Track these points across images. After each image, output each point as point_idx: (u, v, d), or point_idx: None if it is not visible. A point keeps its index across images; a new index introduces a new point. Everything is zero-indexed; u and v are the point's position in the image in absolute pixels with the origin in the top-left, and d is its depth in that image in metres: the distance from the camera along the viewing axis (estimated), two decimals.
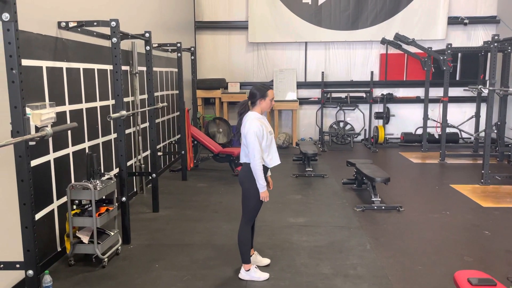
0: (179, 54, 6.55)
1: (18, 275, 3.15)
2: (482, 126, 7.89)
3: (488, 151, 6.38)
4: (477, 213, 5.12)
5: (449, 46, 7.96)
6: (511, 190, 6.07)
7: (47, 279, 3.13)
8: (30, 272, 2.61)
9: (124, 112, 3.99)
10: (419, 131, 9.75)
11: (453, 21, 9.90)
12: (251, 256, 3.62)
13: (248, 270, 3.47)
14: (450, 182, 6.49)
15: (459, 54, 9.97)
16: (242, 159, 3.44)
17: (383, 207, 5.25)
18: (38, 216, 3.47)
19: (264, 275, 3.47)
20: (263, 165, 3.32)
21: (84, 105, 4.34)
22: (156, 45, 6.01)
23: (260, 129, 3.29)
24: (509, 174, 6.72)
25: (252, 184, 3.34)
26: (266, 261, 3.73)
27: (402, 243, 4.23)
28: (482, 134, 7.28)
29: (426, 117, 9.02)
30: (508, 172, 7.09)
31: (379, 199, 5.36)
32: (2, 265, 2.71)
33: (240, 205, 3.49)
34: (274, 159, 3.42)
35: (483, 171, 6.39)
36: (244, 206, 3.47)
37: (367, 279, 3.47)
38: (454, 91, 9.45)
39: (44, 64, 3.61)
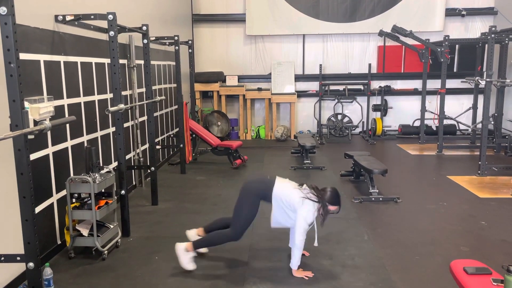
0: (176, 47, 6.54)
1: (19, 268, 3.18)
2: (480, 117, 7.93)
3: (485, 143, 6.42)
4: (474, 204, 5.16)
5: (446, 37, 7.96)
6: (508, 181, 6.11)
7: (47, 271, 3.16)
8: (31, 264, 2.63)
9: (122, 106, 4.00)
10: (417, 123, 9.77)
11: (451, 12, 9.89)
12: (195, 231, 3.73)
13: (186, 251, 3.46)
14: (447, 174, 6.53)
15: (457, 46, 9.97)
16: (276, 224, 3.47)
17: (380, 199, 5.28)
18: (38, 209, 3.49)
19: (189, 266, 3.47)
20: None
21: (82, 99, 4.34)
22: (154, 38, 6.00)
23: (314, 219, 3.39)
24: (506, 165, 6.76)
25: (253, 198, 3.45)
26: (204, 249, 3.73)
27: (399, 233, 4.27)
28: (479, 125, 7.31)
29: (423, 109, 9.05)
30: (505, 163, 7.13)
31: (377, 191, 5.39)
32: (3, 258, 2.73)
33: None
34: None
35: (480, 162, 6.43)
36: (236, 216, 3.47)
37: (364, 269, 3.51)
38: (452, 83, 9.46)
39: (42, 58, 3.61)
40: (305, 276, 3.37)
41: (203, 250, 3.75)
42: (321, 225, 3.46)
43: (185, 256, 3.47)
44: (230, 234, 3.48)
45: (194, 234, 3.77)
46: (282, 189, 3.43)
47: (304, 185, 3.49)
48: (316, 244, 3.50)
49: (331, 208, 3.41)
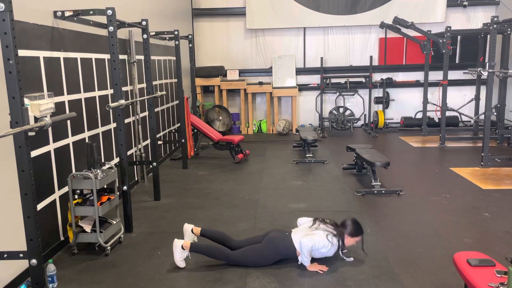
0: (176, 42, 6.51)
1: (22, 265, 3.18)
2: (482, 109, 7.88)
3: (488, 134, 6.39)
4: (477, 196, 5.15)
5: (448, 28, 7.90)
6: (511, 172, 6.09)
7: (51, 268, 3.17)
8: (34, 261, 2.64)
9: (123, 101, 3.99)
10: (419, 115, 9.74)
11: (453, 3, 9.82)
12: (191, 227, 3.71)
13: (183, 250, 3.45)
14: (450, 165, 6.51)
15: (459, 37, 9.91)
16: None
17: (383, 191, 5.27)
18: (40, 206, 3.50)
19: (180, 263, 3.46)
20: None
21: (82, 95, 4.33)
22: (154, 33, 5.98)
23: (326, 249, 3.43)
24: (508, 156, 6.73)
25: (275, 249, 3.46)
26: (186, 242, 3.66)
27: (402, 226, 4.26)
28: (482, 117, 7.28)
29: (425, 101, 9.00)
30: (508, 154, 7.10)
31: (379, 184, 5.38)
32: (6, 255, 2.74)
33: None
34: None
35: (483, 154, 6.40)
36: (252, 252, 3.47)
37: (367, 262, 3.50)
38: (454, 74, 9.41)
39: (41, 54, 3.60)
40: (320, 270, 3.38)
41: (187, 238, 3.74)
42: (343, 255, 3.56)
43: (180, 254, 3.47)
44: (230, 257, 3.47)
45: (189, 229, 3.73)
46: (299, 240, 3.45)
47: (320, 223, 3.54)
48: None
49: (354, 240, 3.51)
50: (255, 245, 3.51)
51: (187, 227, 3.75)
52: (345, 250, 3.58)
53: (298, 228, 3.66)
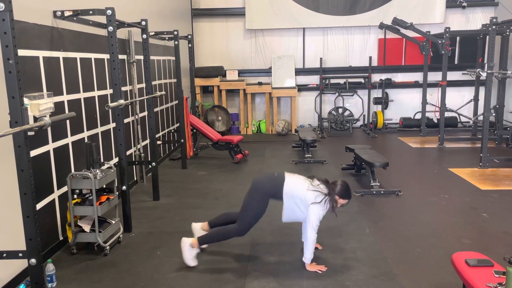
0: (176, 42, 6.52)
1: (21, 264, 3.19)
2: (481, 109, 7.90)
3: (487, 135, 6.40)
4: (476, 196, 5.16)
5: (447, 29, 7.92)
6: (510, 173, 6.11)
7: (50, 267, 3.17)
8: (33, 260, 2.64)
9: (122, 101, 3.99)
10: (418, 116, 9.76)
11: (452, 4, 9.83)
12: (200, 225, 3.73)
13: (191, 247, 3.45)
14: (449, 166, 6.52)
15: (458, 38, 9.92)
16: (288, 219, 3.45)
17: (382, 192, 5.28)
18: (39, 205, 3.50)
19: (192, 262, 3.46)
20: None
21: (82, 95, 4.33)
22: (153, 33, 5.98)
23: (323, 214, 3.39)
24: (507, 157, 6.75)
25: (263, 197, 3.40)
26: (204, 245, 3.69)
27: (401, 226, 4.27)
28: (481, 117, 7.29)
29: (424, 102, 9.02)
30: (507, 155, 7.12)
31: (378, 184, 5.39)
32: (5, 254, 2.74)
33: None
34: None
35: (481, 155, 6.41)
36: (244, 211, 3.44)
37: (366, 262, 3.51)
38: (453, 75, 9.43)
39: (41, 54, 3.60)
40: (319, 270, 3.38)
41: (204, 245, 3.75)
42: (336, 215, 3.53)
43: (190, 252, 3.47)
44: (236, 229, 3.46)
45: (199, 228, 3.76)
46: (293, 185, 3.41)
47: (315, 179, 3.49)
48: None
49: (341, 201, 3.42)
50: (244, 202, 3.47)
51: (196, 226, 3.76)
52: (336, 211, 3.47)
53: (294, 175, 3.56)
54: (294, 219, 3.49)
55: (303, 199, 3.36)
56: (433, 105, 9.21)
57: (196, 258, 3.50)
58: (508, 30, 7.73)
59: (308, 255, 3.38)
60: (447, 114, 8.49)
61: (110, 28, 3.88)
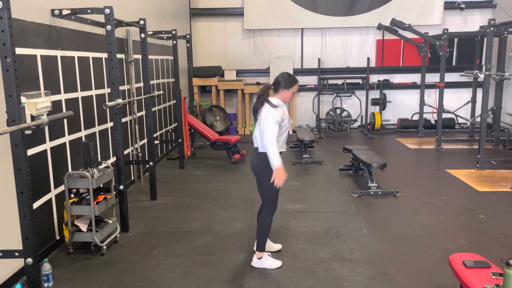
0: (174, 42, 6.51)
1: (18, 263, 3.17)
2: (478, 111, 7.92)
3: (484, 136, 6.41)
4: (473, 197, 5.17)
5: (445, 31, 7.93)
6: (507, 175, 6.12)
7: (46, 267, 3.16)
8: (29, 260, 2.63)
9: (120, 101, 3.98)
10: (416, 117, 9.77)
11: (450, 6, 9.86)
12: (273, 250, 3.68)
13: (260, 258, 3.46)
14: (446, 167, 6.53)
15: (456, 39, 9.95)
16: (257, 143, 3.34)
17: (379, 193, 5.29)
18: (36, 205, 3.48)
19: (277, 263, 3.47)
20: None
21: (79, 94, 4.32)
22: (151, 32, 5.97)
23: (280, 115, 3.25)
24: (504, 159, 6.76)
25: (267, 172, 3.22)
26: (278, 246, 3.75)
27: (398, 227, 4.27)
28: (478, 119, 7.31)
29: (422, 103, 9.03)
30: (504, 156, 7.14)
31: (376, 185, 5.39)
32: (1, 254, 2.73)
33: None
34: (281, 147, 3.34)
35: (478, 156, 6.43)
36: (262, 196, 3.42)
37: (364, 263, 3.51)
38: (451, 77, 9.45)
39: (39, 52, 3.58)
40: (279, 177, 3.16)
41: (276, 247, 3.74)
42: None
43: (264, 262, 3.45)
44: (267, 212, 3.41)
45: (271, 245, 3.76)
46: (258, 134, 3.34)
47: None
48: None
49: (286, 92, 3.35)
50: (257, 185, 3.44)
51: (266, 246, 3.61)
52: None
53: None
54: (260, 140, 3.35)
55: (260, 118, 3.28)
56: (430, 106, 9.23)
57: (275, 259, 3.50)
58: (506, 32, 7.75)
59: (272, 161, 3.16)
60: (444, 115, 8.50)
61: (108, 27, 3.86)
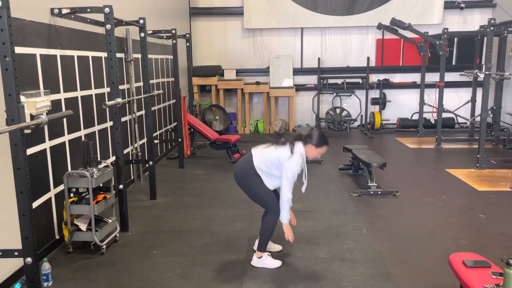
0: (174, 41, 6.50)
1: (17, 263, 3.16)
2: (478, 110, 7.91)
3: (484, 136, 6.41)
4: (473, 197, 5.17)
5: (445, 30, 7.92)
6: (506, 174, 6.12)
7: (45, 266, 3.16)
8: (29, 259, 2.62)
9: (119, 100, 3.97)
10: (415, 117, 9.77)
11: (450, 5, 9.85)
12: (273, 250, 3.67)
13: (260, 257, 3.46)
14: (446, 167, 6.53)
15: (455, 39, 9.94)
16: (260, 170, 3.36)
17: (379, 192, 5.28)
18: (35, 204, 3.48)
19: (276, 263, 3.47)
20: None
21: (79, 93, 4.31)
22: (151, 31, 5.96)
23: (301, 167, 3.32)
24: (504, 158, 6.76)
25: (252, 174, 3.32)
26: (278, 247, 3.75)
27: (398, 227, 4.27)
28: (478, 118, 7.30)
29: (422, 102, 9.03)
30: (503, 156, 7.14)
31: (375, 184, 5.39)
32: (0, 253, 2.72)
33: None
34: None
35: (478, 156, 6.42)
36: (259, 201, 3.46)
37: (363, 263, 3.51)
38: (450, 76, 9.44)
39: (38, 51, 3.58)
40: (288, 234, 3.33)
41: (277, 248, 3.75)
42: (320, 163, 3.42)
43: (264, 261, 3.46)
44: (273, 214, 3.42)
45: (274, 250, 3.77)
46: (259, 155, 3.37)
47: (282, 138, 3.42)
48: (303, 190, 3.46)
49: (320, 150, 3.37)
50: (248, 195, 3.49)
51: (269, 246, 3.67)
52: (309, 161, 3.35)
53: (258, 147, 3.50)
54: (278, 185, 3.40)
55: (275, 160, 3.29)
56: (430, 106, 9.23)
57: (274, 259, 3.50)
58: (506, 32, 7.74)
59: (283, 214, 3.30)
60: (444, 115, 8.50)
61: (108, 26, 3.85)
